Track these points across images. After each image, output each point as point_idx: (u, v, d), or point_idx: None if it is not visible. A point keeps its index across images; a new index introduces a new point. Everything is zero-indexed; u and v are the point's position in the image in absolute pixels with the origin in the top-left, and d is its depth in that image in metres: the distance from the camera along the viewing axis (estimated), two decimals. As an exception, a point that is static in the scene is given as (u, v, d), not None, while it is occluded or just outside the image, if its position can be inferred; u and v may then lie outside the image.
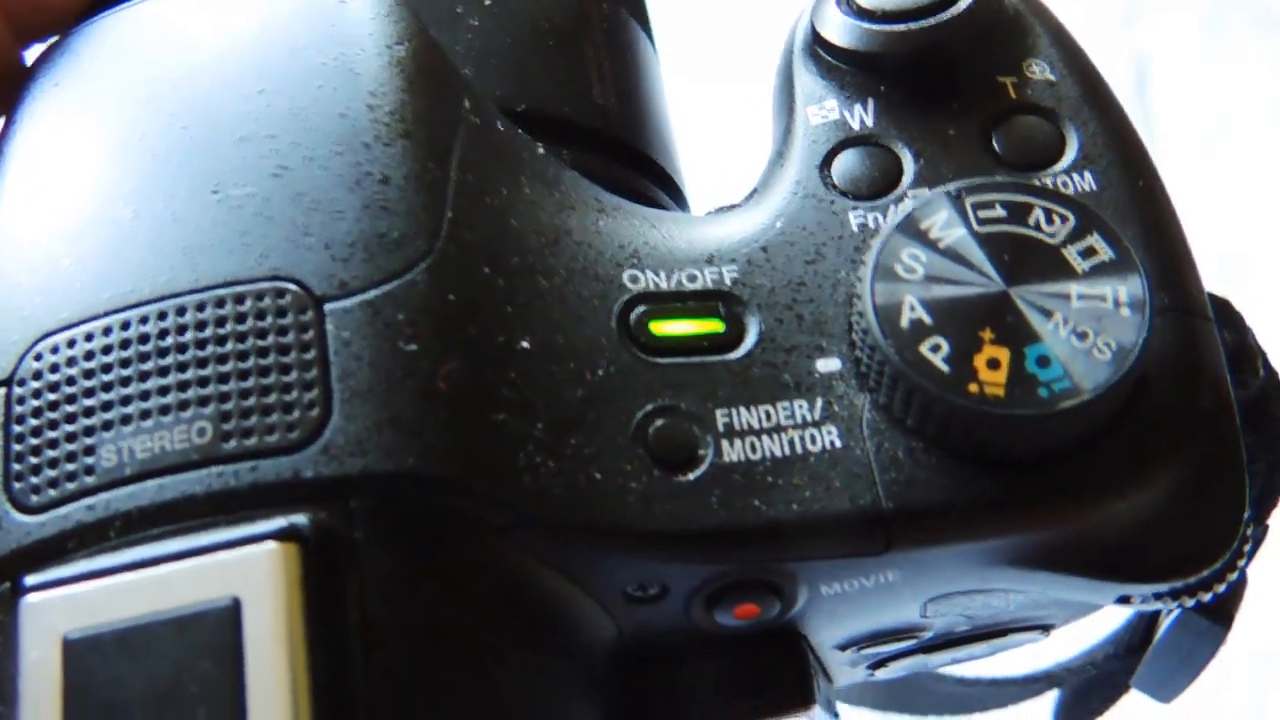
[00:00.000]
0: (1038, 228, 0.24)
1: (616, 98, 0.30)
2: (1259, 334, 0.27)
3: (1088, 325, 0.23)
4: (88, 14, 0.27)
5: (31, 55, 0.28)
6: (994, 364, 0.22)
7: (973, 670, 0.37)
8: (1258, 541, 0.26)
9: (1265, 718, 0.81)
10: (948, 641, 0.28)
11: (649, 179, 0.30)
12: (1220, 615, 0.29)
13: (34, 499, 0.21)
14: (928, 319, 0.23)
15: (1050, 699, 0.37)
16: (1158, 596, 0.24)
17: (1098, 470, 0.23)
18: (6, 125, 0.26)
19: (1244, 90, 1.00)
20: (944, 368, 0.22)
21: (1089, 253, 0.23)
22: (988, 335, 0.23)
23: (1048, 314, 0.23)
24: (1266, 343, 0.27)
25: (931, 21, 0.26)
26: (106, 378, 0.22)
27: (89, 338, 0.22)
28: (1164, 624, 0.30)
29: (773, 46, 0.29)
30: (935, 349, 0.23)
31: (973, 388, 0.22)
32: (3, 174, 0.25)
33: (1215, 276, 0.27)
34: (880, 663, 0.29)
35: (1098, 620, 0.31)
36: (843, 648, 0.27)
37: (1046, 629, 0.29)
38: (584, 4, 0.30)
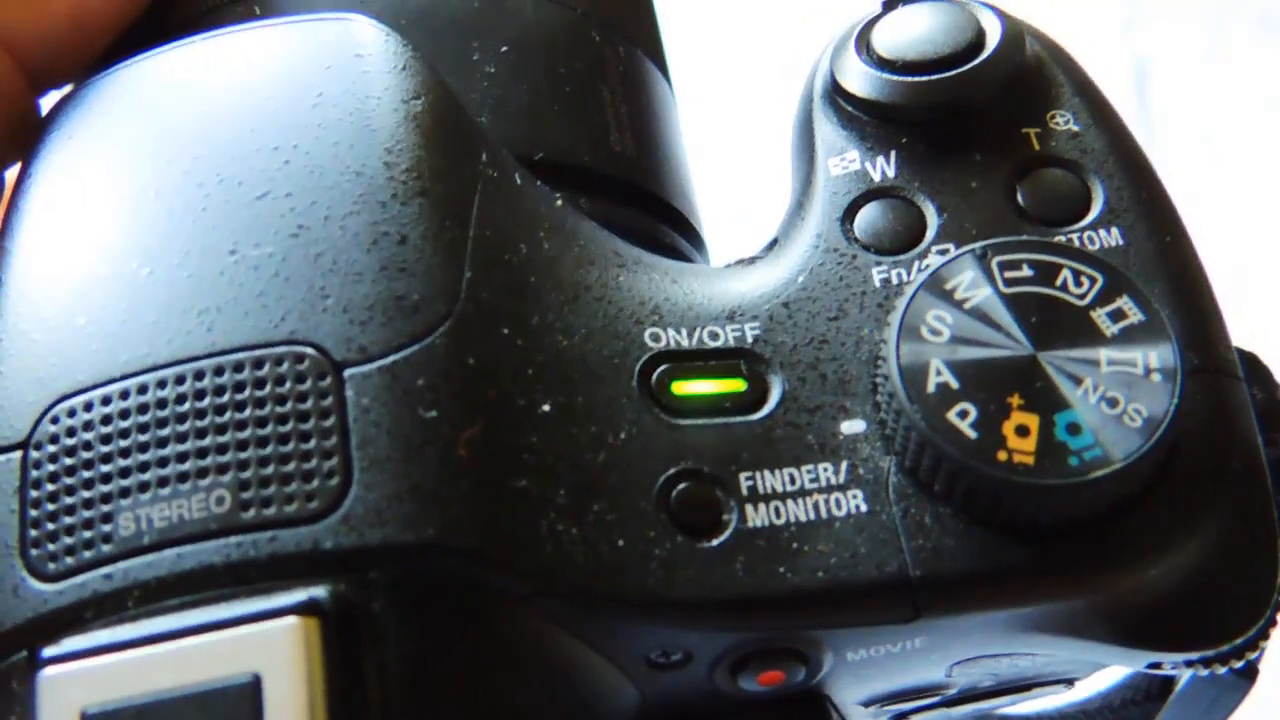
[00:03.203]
0: (1065, 289, 0.23)
1: (635, 144, 0.29)
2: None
3: (1118, 392, 0.22)
4: (104, 64, 0.27)
5: (48, 103, 0.28)
6: (1023, 431, 0.22)
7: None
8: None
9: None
10: (971, 696, 0.28)
11: (668, 225, 0.30)
12: (1245, 668, 0.28)
13: (51, 566, 0.21)
14: (955, 383, 0.22)
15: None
16: (1190, 664, 0.23)
17: (1128, 537, 0.22)
18: (21, 176, 0.26)
19: (1244, 92, 0.99)
20: (972, 434, 0.22)
21: (1118, 315, 0.23)
22: (1016, 401, 0.22)
23: (1077, 380, 0.22)
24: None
25: (954, 73, 0.26)
26: (124, 443, 0.21)
27: (106, 401, 0.22)
28: (1186, 674, 0.30)
29: (789, 87, 0.29)
30: (963, 415, 0.22)
31: (1001, 455, 0.22)
32: (17, 228, 0.25)
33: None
34: (902, 717, 0.29)
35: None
36: (866, 704, 0.27)
37: (1070, 682, 0.29)
38: (601, 49, 0.30)
